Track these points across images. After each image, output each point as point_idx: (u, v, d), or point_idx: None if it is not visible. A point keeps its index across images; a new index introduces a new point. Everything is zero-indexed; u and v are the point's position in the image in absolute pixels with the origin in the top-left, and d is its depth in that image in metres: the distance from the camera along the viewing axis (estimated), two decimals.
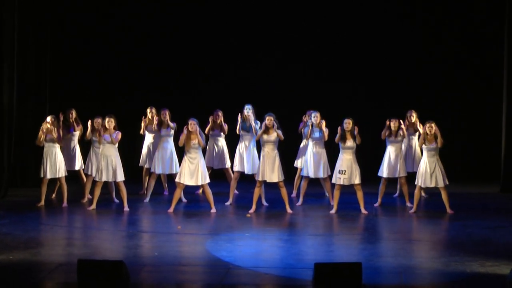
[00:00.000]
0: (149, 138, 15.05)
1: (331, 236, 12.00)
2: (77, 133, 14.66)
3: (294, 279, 9.28)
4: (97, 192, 13.70)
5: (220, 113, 14.76)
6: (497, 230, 12.04)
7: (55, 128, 13.97)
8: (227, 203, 14.22)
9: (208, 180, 13.57)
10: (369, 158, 14.82)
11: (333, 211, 13.48)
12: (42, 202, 14.11)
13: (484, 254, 10.35)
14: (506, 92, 15.92)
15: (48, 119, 14.04)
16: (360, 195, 13.47)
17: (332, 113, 14.33)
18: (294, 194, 14.83)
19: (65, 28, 17.02)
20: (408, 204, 13.97)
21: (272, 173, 13.48)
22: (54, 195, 14.90)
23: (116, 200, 14.31)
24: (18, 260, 9.98)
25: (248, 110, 14.22)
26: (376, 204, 14.05)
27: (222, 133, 14.84)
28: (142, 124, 15.00)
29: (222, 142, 14.95)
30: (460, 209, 13.73)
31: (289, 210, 13.56)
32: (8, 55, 15.08)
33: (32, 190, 15.28)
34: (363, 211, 13.42)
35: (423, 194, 14.87)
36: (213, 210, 13.56)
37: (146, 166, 15.05)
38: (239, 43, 17.31)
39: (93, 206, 13.70)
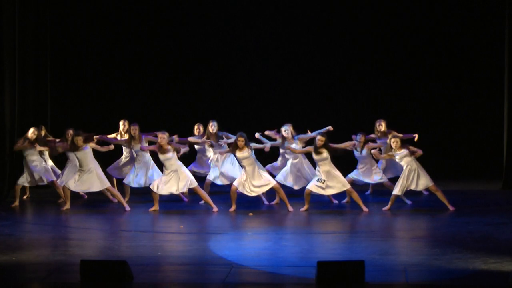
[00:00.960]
0: (125, 151, 15.01)
1: (333, 234, 11.99)
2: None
3: (297, 278, 9.27)
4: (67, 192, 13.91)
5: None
6: (499, 227, 12.04)
7: (40, 140, 14.16)
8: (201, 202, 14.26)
9: (195, 184, 13.60)
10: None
11: (303, 209, 13.56)
12: (17, 203, 14.19)
13: (487, 251, 10.34)
14: (507, 88, 15.91)
15: (31, 131, 14.12)
16: (355, 196, 13.50)
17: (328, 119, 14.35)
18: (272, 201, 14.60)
19: (66, 29, 16.99)
20: (408, 202, 13.99)
21: (258, 186, 13.62)
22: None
23: (114, 200, 14.30)
24: (21, 260, 9.97)
25: (214, 128, 14.37)
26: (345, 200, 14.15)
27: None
28: (116, 137, 14.77)
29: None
30: (462, 206, 13.73)
31: (290, 209, 13.57)
32: (9, 56, 15.04)
33: (33, 192, 15.28)
34: (364, 209, 13.43)
35: (424, 192, 14.87)
36: (215, 209, 13.58)
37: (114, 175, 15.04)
38: (236, 48, 17.29)
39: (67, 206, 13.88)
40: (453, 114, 16.95)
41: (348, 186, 13.52)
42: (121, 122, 14.85)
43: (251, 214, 13.37)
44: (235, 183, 13.77)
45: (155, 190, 13.61)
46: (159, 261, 10.04)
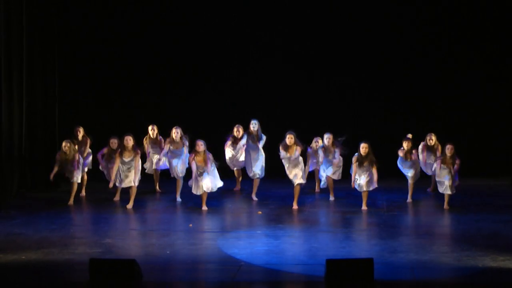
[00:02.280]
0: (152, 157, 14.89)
1: (342, 232, 11.99)
2: (86, 149, 14.72)
3: (306, 276, 9.29)
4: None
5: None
6: (508, 224, 12.02)
7: (75, 155, 14.06)
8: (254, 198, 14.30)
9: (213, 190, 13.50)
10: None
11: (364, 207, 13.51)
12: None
13: (496, 248, 10.34)
14: None
15: (64, 144, 14.00)
16: (364, 193, 13.44)
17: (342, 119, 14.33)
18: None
19: (72, 33, 16.96)
20: (409, 200, 14.02)
21: (296, 176, 13.45)
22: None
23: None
24: (30, 260, 10.01)
25: (255, 125, 14.20)
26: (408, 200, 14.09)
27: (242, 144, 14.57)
28: (145, 143, 14.71)
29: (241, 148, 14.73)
30: (471, 203, 13.73)
31: (295, 206, 13.52)
32: (17, 62, 15.02)
33: (41, 192, 15.31)
34: (363, 207, 13.37)
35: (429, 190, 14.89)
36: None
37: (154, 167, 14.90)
38: (243, 48, 17.23)
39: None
40: (460, 111, 16.91)
41: (375, 187, 13.34)
42: (150, 127, 14.70)
43: (260, 212, 13.38)
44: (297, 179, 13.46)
45: (195, 192, 13.38)
46: (168, 259, 10.07)
